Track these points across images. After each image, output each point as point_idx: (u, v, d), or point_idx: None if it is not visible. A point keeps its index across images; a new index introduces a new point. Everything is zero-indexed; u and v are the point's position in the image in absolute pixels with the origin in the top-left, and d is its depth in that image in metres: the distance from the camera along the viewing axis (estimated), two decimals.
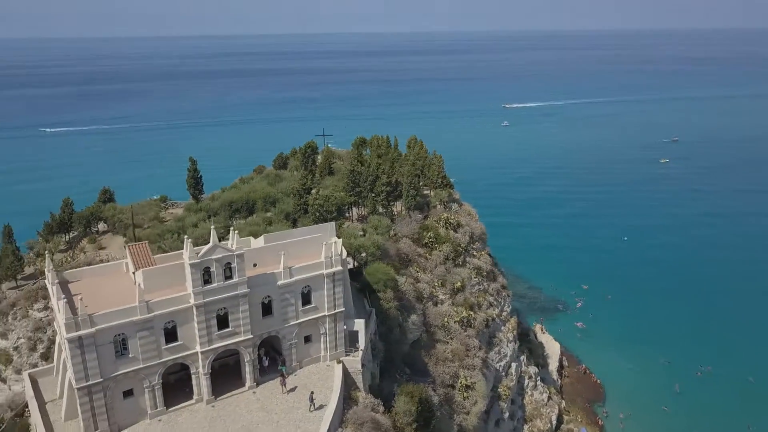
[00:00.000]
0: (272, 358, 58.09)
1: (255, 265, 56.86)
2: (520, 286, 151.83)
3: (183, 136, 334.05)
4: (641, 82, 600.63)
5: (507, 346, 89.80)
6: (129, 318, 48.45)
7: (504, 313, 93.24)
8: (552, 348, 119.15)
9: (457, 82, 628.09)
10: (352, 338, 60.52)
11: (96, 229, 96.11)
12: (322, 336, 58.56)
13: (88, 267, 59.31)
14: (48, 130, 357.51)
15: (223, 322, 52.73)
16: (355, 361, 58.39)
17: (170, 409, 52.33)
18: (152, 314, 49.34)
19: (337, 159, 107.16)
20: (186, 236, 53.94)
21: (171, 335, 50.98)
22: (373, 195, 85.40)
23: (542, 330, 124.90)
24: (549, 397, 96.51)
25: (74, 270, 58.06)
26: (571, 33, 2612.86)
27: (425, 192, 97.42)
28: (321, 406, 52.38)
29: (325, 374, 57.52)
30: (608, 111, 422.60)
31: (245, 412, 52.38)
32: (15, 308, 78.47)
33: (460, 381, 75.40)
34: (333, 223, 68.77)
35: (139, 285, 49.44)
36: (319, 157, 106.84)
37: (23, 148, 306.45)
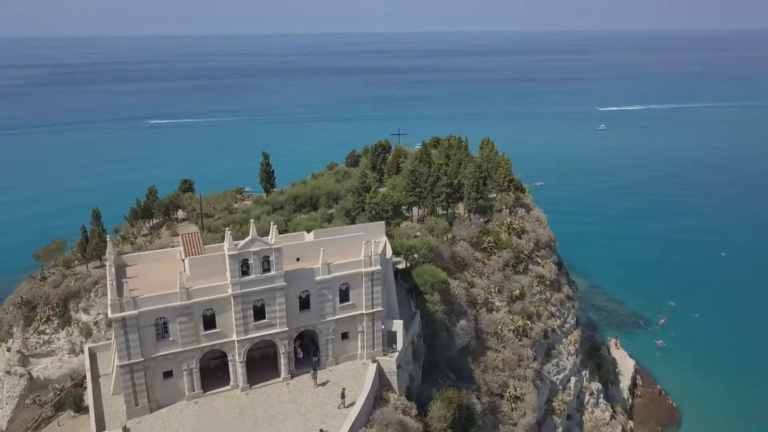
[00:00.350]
0: (308, 351, 59.16)
1: (298, 259, 58.16)
2: (598, 298, 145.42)
3: (275, 131, 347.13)
4: (756, 87, 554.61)
5: (567, 359, 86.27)
6: (170, 303, 51.11)
7: (567, 325, 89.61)
8: (625, 365, 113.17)
9: (546, 83, 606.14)
10: (390, 338, 60.51)
11: (175, 217, 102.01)
12: (360, 334, 58.94)
13: (145, 252, 63.11)
14: (153, 122, 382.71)
15: (259, 313, 54.38)
16: (390, 362, 58.33)
17: (207, 393, 54.66)
18: (191, 301, 51.75)
19: (408, 158, 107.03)
20: (227, 228, 56.10)
21: (209, 322, 53.22)
22: (433, 196, 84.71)
23: (616, 345, 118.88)
24: (612, 416, 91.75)
25: (133, 254, 62.00)
26: (668, 33, 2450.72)
27: (491, 195, 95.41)
28: (353, 404, 52.78)
29: (360, 372, 57.85)
30: (717, 117, 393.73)
31: (276, 402, 53.79)
32: (97, 286, 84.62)
33: (508, 391, 73.40)
34: (382, 222, 69.11)
35: (181, 272, 52.00)
36: (390, 155, 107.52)
37: (129, 139, 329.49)
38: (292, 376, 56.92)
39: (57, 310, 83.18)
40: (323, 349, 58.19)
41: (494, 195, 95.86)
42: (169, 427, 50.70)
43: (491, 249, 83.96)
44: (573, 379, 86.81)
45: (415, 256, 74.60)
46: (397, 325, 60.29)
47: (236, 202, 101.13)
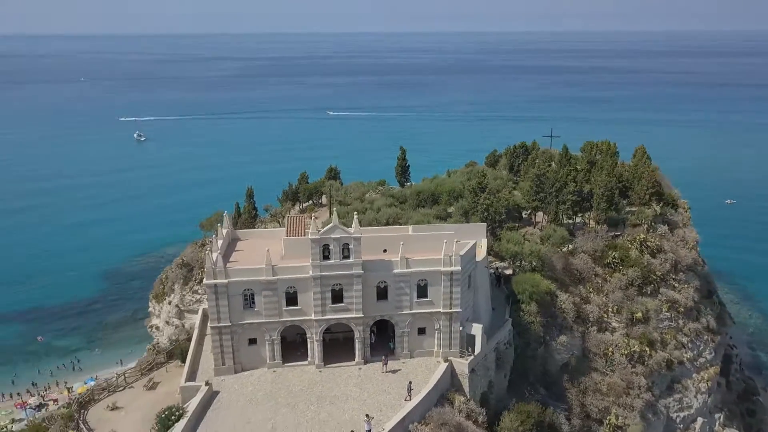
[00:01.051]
0: (384, 338, 60.63)
1: (385, 250, 59.97)
2: None
3: (441, 127, 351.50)
4: None
5: (695, 396, 77.34)
6: (256, 277, 56.01)
7: (701, 359, 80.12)
8: None
9: (746, 89, 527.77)
10: (470, 341, 59.74)
11: (320, 202, 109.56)
12: (436, 332, 59.06)
13: (256, 230, 69.24)
14: (331, 113, 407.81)
15: (337, 297, 57.17)
16: (463, 364, 57.65)
17: (286, 364, 58.84)
18: (276, 277, 56.14)
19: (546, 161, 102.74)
20: (314, 215, 59.57)
21: (292, 299, 57.23)
22: (558, 202, 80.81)
23: None
24: None
25: (246, 230, 68.56)
26: None
27: (632, 208, 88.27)
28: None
29: (432, 369, 57.94)
30: None
31: (343, 384, 56.25)
32: None
33: (609, 418, 68.11)
34: (483, 224, 68.26)
35: (269, 250, 56.59)
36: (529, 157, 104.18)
37: (309, 127, 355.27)
38: (365, 362, 58.95)
39: None
40: (399, 340, 59.38)
41: (635, 208, 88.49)
42: (244, 389, 55.75)
43: (615, 265, 78.05)
44: (700, 420, 77.58)
45: (522, 263, 72.22)
46: (477, 329, 59.29)
47: (376, 193, 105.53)
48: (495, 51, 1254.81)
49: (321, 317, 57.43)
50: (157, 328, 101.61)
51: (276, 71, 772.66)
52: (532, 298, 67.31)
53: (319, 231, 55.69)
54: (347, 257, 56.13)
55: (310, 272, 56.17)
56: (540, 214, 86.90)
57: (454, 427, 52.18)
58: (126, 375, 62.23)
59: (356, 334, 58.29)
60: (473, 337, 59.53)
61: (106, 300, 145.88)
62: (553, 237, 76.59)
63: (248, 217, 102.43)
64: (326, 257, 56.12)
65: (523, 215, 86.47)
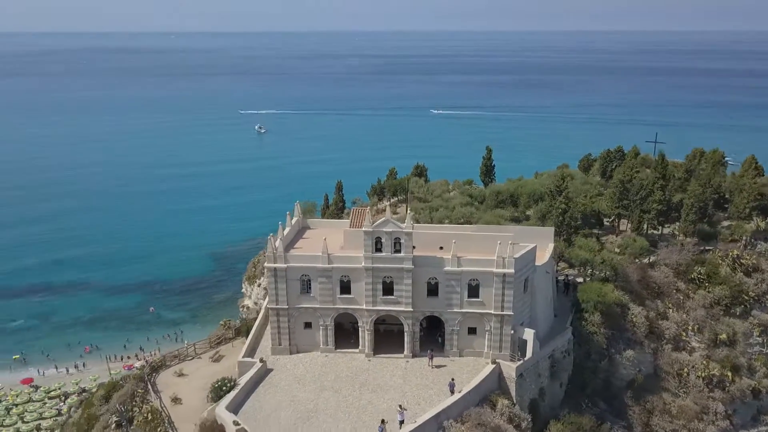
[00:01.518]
0: (433, 334, 61.03)
1: (442, 248, 60.44)
2: None
3: (555, 129, 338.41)
4: None
5: None
6: (313, 264, 58.67)
7: None
8: None
9: None
10: (522, 346, 58.73)
11: (403, 197, 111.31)
12: (486, 333, 58.60)
13: (326, 220, 72.24)
14: (434, 111, 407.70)
15: (388, 289, 58.47)
16: (511, 368, 56.84)
17: (337, 350, 61.12)
18: (331, 266, 58.50)
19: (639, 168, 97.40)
20: (367, 208, 61.08)
21: (345, 288, 59.35)
22: (642, 210, 76.69)
23: None
24: None
25: (316, 220, 71.74)
26: None
27: (730, 222, 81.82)
28: None
29: (479, 369, 57.54)
30: None
31: (388, 374, 57.54)
32: None
33: None
34: (551, 228, 66.71)
35: (325, 239, 59.06)
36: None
37: (413, 126, 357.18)
38: (413, 356, 59.76)
39: None
40: (448, 338, 59.57)
41: (734, 222, 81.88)
42: (295, 369, 58.69)
43: (701, 281, 72.83)
44: None
45: (593, 271, 69.50)
46: (528, 334, 58.13)
47: (455, 191, 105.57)
48: (631, 51, 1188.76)
49: (371, 307, 59.01)
50: (248, 308, 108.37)
51: (391, 69, 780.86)
52: (596, 308, 64.62)
53: (372, 224, 57.28)
54: (398, 251, 57.25)
55: (363, 263, 57.92)
56: (625, 222, 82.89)
57: (492, 429, 51.71)
58: (196, 346, 67.49)
59: (405, 328, 59.28)
60: (525, 341, 58.46)
61: (212, 280, 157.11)
62: (632, 247, 72.90)
63: (335, 208, 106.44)
64: (378, 250, 57.61)
65: (605, 222, 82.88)
